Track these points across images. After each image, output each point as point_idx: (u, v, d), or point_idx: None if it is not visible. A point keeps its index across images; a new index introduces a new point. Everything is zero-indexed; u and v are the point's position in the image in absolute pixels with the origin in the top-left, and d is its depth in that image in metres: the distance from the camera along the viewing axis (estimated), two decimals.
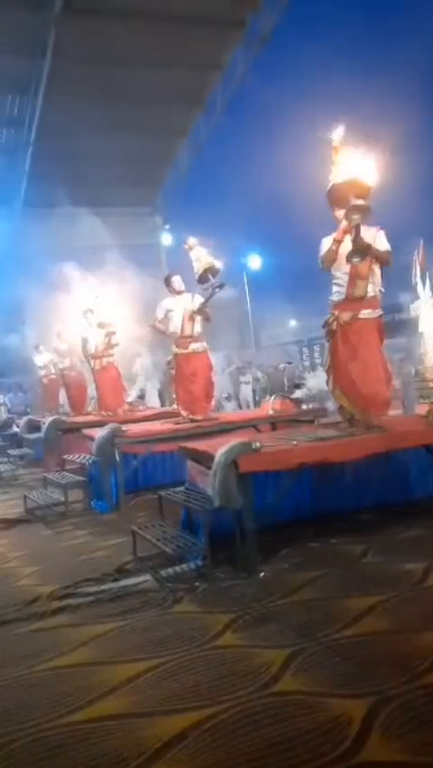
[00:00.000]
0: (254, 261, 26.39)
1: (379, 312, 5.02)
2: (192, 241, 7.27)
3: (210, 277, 7.13)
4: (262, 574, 3.99)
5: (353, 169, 4.84)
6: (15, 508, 7.06)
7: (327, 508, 4.86)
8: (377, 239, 4.91)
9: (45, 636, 3.41)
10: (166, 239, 22.77)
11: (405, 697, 2.41)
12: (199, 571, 4.09)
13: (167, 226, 23.05)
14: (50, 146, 17.11)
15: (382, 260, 4.95)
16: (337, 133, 4.96)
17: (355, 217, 4.70)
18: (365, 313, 4.95)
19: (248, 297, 25.11)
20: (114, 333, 9.33)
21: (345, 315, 4.96)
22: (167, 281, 7.45)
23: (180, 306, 7.28)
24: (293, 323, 26.53)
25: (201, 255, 7.17)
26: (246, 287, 25.25)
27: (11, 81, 15.98)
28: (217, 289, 7.07)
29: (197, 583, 3.94)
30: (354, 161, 4.87)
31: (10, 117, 17.77)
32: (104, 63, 15.21)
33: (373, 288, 4.97)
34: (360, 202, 4.77)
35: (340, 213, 4.93)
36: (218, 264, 7.15)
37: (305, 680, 2.63)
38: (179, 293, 7.32)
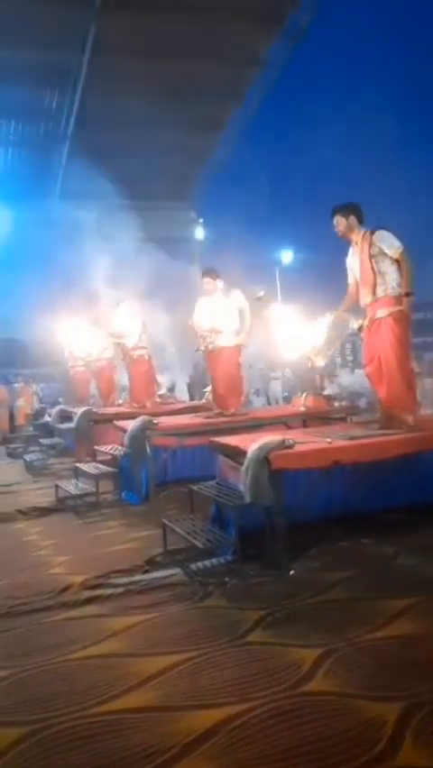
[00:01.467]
0: (286, 256, 26.30)
1: (391, 310, 4.92)
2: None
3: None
4: (292, 572, 3.98)
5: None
6: (47, 497, 7.13)
7: (358, 508, 4.81)
8: (381, 243, 4.90)
9: (76, 625, 3.45)
10: (199, 233, 22.78)
11: None
12: (229, 566, 4.09)
13: (201, 220, 23.05)
14: (86, 140, 17.20)
15: (404, 269, 4.93)
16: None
17: None
18: (380, 313, 4.94)
19: (279, 292, 25.01)
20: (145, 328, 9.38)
21: (366, 319, 5.07)
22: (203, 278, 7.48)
23: (212, 302, 7.30)
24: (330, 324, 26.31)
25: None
26: (278, 282, 25.18)
27: (50, 75, 16.07)
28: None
29: (226, 578, 3.94)
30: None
31: (48, 111, 17.88)
32: (141, 57, 15.21)
33: (385, 288, 4.92)
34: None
35: None
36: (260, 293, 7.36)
37: (336, 680, 2.62)
38: (209, 293, 7.35)
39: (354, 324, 5.33)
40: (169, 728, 2.38)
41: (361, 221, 5.10)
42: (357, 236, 5.06)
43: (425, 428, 4.66)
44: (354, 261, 5.16)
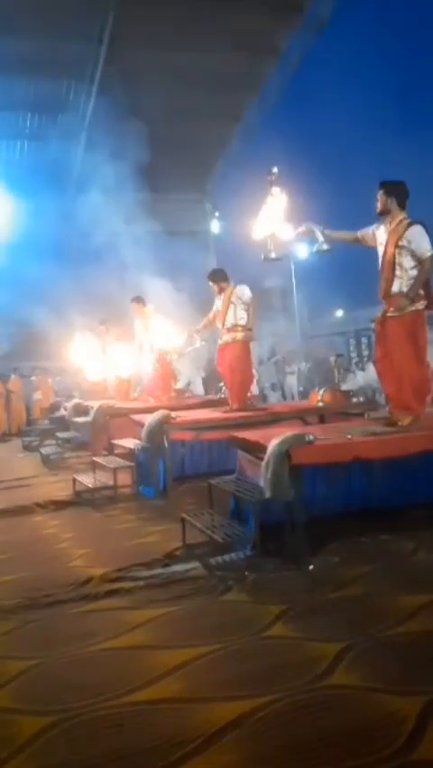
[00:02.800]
0: (302, 250, 26.20)
1: (407, 309, 4.77)
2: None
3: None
4: (312, 567, 3.99)
5: (270, 224, 5.44)
6: (64, 491, 7.20)
7: (378, 503, 4.82)
8: (411, 240, 4.73)
9: (98, 618, 3.49)
10: (215, 226, 22.75)
11: None
12: (248, 560, 4.12)
13: (217, 213, 23.01)
14: (103, 132, 17.20)
15: (425, 271, 4.75)
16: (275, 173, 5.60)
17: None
18: (392, 311, 4.82)
19: (294, 287, 24.96)
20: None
21: (379, 313, 4.96)
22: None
23: (220, 299, 7.41)
24: (340, 313, 26.28)
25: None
26: (293, 276, 25.12)
27: (67, 67, 16.10)
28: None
29: (246, 573, 3.97)
30: (274, 213, 5.45)
31: (65, 103, 17.91)
32: (159, 48, 15.21)
33: (401, 284, 4.77)
34: (273, 255, 5.52)
35: None
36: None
37: (358, 674, 2.64)
38: (219, 293, 7.43)
39: (323, 246, 5.11)
40: (192, 719, 2.41)
41: (402, 206, 4.87)
42: (395, 219, 4.84)
43: (419, 429, 4.65)
44: (380, 235, 4.95)
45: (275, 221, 5.46)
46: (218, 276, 7.50)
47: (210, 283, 7.50)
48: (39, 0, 13.06)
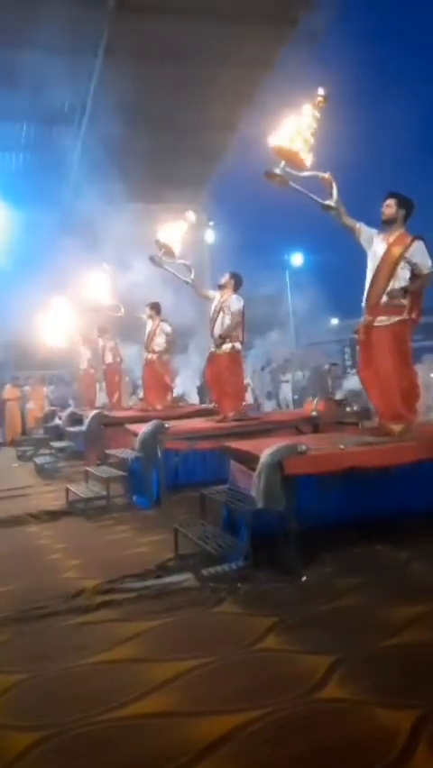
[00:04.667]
0: (297, 259, 26.33)
1: (394, 319, 4.84)
2: None
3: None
4: (305, 578, 3.98)
5: (295, 140, 4.68)
6: (58, 501, 7.17)
7: (371, 513, 4.81)
8: (415, 254, 4.80)
9: (90, 630, 3.46)
10: (209, 235, 22.80)
11: None
12: (241, 572, 4.09)
13: (211, 223, 23.07)
14: (98, 142, 17.25)
15: (421, 284, 4.83)
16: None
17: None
18: (380, 320, 4.85)
19: (289, 295, 25.04)
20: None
21: (363, 321, 4.96)
22: None
23: (217, 298, 7.49)
24: (335, 321, 26.35)
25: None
26: (288, 284, 25.21)
27: (62, 78, 16.12)
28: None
29: (238, 584, 3.95)
30: (306, 132, 4.71)
31: (60, 113, 17.96)
32: (154, 59, 15.27)
33: (390, 296, 4.81)
34: (277, 171, 4.68)
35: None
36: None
37: (350, 687, 2.62)
38: (220, 289, 7.50)
39: (331, 202, 4.80)
40: (184, 734, 2.39)
41: (406, 220, 4.97)
42: (395, 232, 4.91)
43: (412, 438, 4.65)
44: (378, 244, 4.96)
45: (302, 140, 4.72)
46: (236, 277, 7.53)
47: (226, 276, 7.56)
48: (33, 11, 13.08)
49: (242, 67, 16.40)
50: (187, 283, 7.51)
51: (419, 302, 4.87)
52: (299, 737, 2.32)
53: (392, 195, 4.97)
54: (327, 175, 4.76)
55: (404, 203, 4.96)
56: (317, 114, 4.74)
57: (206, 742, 2.31)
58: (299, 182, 4.75)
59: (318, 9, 14.87)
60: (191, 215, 7.62)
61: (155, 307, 9.76)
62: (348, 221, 5.03)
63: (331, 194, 4.79)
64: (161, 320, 9.63)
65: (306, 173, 4.70)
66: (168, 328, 9.52)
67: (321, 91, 4.81)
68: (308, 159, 4.69)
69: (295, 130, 4.71)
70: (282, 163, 4.68)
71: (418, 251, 4.81)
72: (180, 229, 7.54)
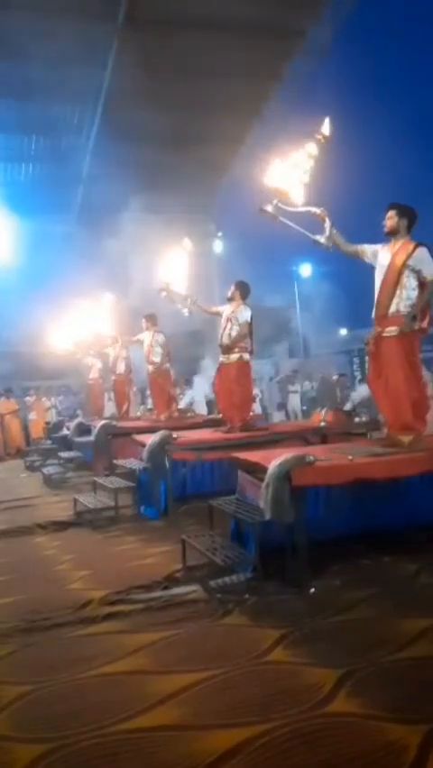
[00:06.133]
0: (305, 269, 26.36)
1: (411, 329, 4.80)
2: None
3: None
4: (313, 590, 3.95)
5: (289, 178, 4.71)
6: (65, 511, 7.17)
7: (380, 525, 4.78)
8: (419, 261, 4.78)
9: (97, 641, 3.45)
10: (218, 246, 22.88)
11: None
12: (249, 583, 4.08)
13: (219, 233, 23.15)
14: (107, 153, 17.38)
15: (427, 293, 4.80)
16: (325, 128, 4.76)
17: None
18: (389, 330, 4.84)
19: (298, 306, 25.05)
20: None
21: (373, 332, 4.96)
22: None
23: (227, 309, 7.49)
24: (343, 332, 26.32)
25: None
26: (296, 295, 25.22)
27: (72, 90, 16.30)
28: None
29: (246, 596, 3.93)
30: (301, 170, 4.73)
31: (70, 125, 18.14)
32: (163, 73, 15.40)
33: (398, 304, 4.81)
34: (269, 208, 4.71)
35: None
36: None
37: (359, 701, 2.59)
38: (229, 301, 7.53)
39: (321, 238, 4.84)
40: (191, 747, 2.37)
41: (409, 229, 4.96)
42: (399, 241, 4.91)
43: (421, 449, 4.62)
44: (383, 255, 4.97)
45: (296, 178, 4.76)
46: (241, 287, 7.53)
47: (232, 288, 7.56)
48: (44, 25, 13.24)
49: (250, 80, 16.52)
50: (189, 313, 7.64)
51: (428, 311, 4.85)
52: (306, 752, 2.30)
53: (392, 206, 4.98)
54: (319, 211, 4.80)
55: (405, 212, 4.95)
56: (316, 152, 4.73)
57: (212, 756, 2.29)
58: (293, 217, 4.77)
59: (326, 22, 14.97)
60: (188, 244, 7.67)
61: (150, 319, 9.85)
62: (350, 248, 5.06)
63: (324, 228, 4.83)
64: (156, 331, 9.72)
65: (300, 209, 4.74)
66: (161, 338, 9.62)
67: (324, 128, 4.75)
68: (300, 197, 4.75)
69: (290, 168, 4.75)
70: (275, 200, 4.75)
71: (421, 257, 4.79)
72: (182, 263, 7.65)
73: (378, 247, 5.03)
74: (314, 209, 4.79)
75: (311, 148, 4.71)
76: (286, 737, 2.39)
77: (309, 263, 25.94)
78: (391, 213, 4.95)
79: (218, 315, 7.63)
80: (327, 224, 4.80)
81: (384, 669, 2.85)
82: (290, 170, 4.72)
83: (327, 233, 4.82)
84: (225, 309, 7.51)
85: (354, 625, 3.42)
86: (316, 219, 4.84)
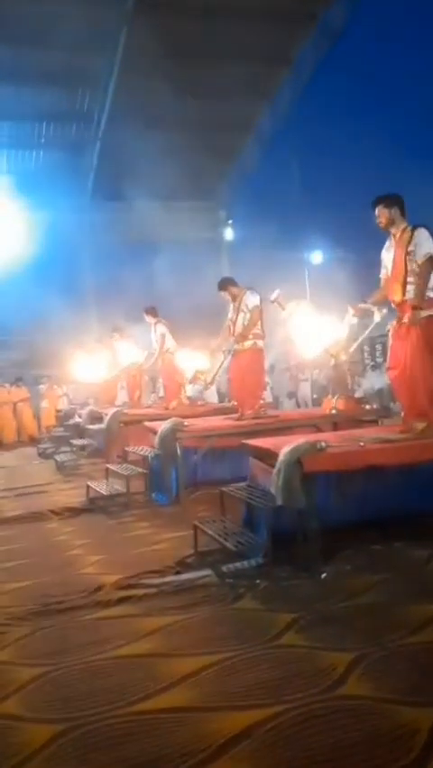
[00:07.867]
0: (316, 257, 26.22)
1: (421, 315, 4.74)
2: None
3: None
4: (324, 575, 3.96)
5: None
6: (78, 498, 7.22)
7: (391, 511, 4.78)
8: (416, 243, 4.75)
9: (110, 625, 3.48)
10: (228, 234, 22.82)
11: None
12: (260, 568, 4.09)
13: (230, 221, 23.06)
14: (117, 140, 17.35)
15: (423, 273, 4.74)
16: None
17: None
18: (408, 316, 4.81)
19: (308, 293, 24.93)
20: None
21: (395, 320, 4.97)
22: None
23: (233, 305, 7.45)
24: (354, 320, 26.17)
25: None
26: (307, 282, 25.10)
27: (82, 77, 16.26)
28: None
29: (258, 581, 3.95)
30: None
31: (80, 112, 18.08)
32: (172, 58, 15.30)
33: (414, 289, 4.75)
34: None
35: None
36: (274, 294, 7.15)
37: (370, 685, 2.61)
38: (232, 300, 7.48)
39: (378, 315, 5.33)
40: (203, 729, 2.39)
41: (404, 214, 4.90)
42: (397, 230, 4.89)
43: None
44: (388, 256, 5.01)
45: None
46: (226, 283, 7.53)
47: (221, 293, 7.53)
48: (53, 11, 13.19)
49: (261, 64, 16.40)
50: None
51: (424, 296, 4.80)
52: (318, 734, 2.31)
53: (377, 202, 4.93)
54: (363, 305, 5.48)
55: (391, 201, 4.90)
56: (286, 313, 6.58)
57: (224, 738, 2.31)
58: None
59: (338, 5, 14.80)
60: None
61: (151, 311, 9.97)
62: (378, 293, 5.24)
63: (372, 314, 5.54)
64: (157, 321, 9.85)
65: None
66: (162, 328, 9.76)
67: (274, 294, 6.76)
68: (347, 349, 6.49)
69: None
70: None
71: (418, 239, 4.75)
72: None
73: (386, 245, 5.04)
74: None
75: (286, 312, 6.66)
76: (298, 720, 2.40)
77: (320, 251, 25.82)
78: (378, 209, 4.92)
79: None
80: (370, 309, 5.44)
81: (396, 653, 2.86)
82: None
83: (376, 314, 5.52)
84: (230, 309, 7.51)
85: (365, 609, 3.43)
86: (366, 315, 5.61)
